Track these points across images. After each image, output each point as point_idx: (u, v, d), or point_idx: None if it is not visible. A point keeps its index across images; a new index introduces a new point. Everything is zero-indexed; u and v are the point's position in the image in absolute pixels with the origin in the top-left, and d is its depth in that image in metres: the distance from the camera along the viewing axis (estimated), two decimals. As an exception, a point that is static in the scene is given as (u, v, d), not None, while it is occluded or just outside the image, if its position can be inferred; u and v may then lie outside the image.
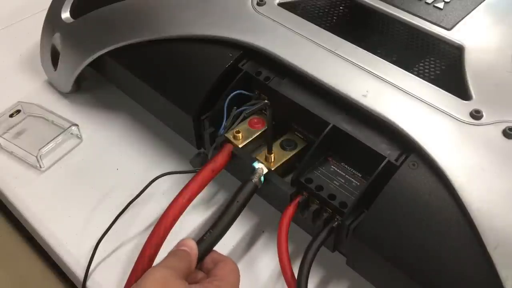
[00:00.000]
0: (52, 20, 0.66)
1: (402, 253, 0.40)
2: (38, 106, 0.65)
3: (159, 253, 0.43)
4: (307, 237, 0.46)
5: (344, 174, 0.47)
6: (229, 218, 0.44)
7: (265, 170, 0.47)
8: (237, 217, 0.45)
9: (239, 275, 0.41)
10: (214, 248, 0.43)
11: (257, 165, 0.47)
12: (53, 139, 0.61)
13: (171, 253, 0.41)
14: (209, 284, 0.39)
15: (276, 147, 0.50)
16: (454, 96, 0.46)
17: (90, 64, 0.61)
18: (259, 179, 0.46)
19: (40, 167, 0.59)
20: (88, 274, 0.50)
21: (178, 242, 0.42)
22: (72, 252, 0.52)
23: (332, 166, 0.47)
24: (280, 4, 0.56)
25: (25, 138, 0.63)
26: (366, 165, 0.45)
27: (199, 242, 0.42)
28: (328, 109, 0.47)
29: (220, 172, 0.49)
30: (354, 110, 0.46)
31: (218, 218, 0.44)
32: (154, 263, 0.42)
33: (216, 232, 0.43)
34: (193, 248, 0.41)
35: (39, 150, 0.59)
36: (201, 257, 0.42)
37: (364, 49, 0.50)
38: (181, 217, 0.45)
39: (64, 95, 0.68)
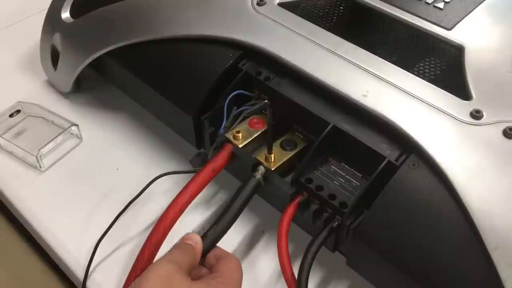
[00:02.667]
0: (52, 20, 0.66)
1: (402, 253, 0.40)
2: (38, 106, 0.65)
3: (158, 252, 0.43)
4: (307, 237, 0.46)
5: (344, 174, 0.47)
6: (232, 214, 0.44)
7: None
8: (240, 213, 0.45)
9: (242, 272, 0.41)
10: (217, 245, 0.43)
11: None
12: (53, 139, 0.61)
13: (176, 246, 0.41)
14: (212, 280, 0.39)
15: (276, 147, 0.49)
16: (454, 96, 0.46)
17: (90, 64, 0.61)
18: (262, 176, 0.47)
19: (40, 167, 0.59)
20: (88, 274, 0.50)
21: (183, 236, 0.42)
22: (72, 252, 0.52)
23: (332, 166, 0.47)
24: (280, 4, 0.56)
25: (25, 138, 0.63)
26: (366, 165, 0.45)
27: (202, 238, 0.42)
28: (328, 109, 0.47)
29: (220, 172, 0.49)
30: (354, 110, 0.46)
31: (221, 215, 0.44)
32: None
33: (219, 228, 0.43)
34: (198, 242, 0.41)
35: (39, 150, 0.59)
36: (204, 253, 0.42)
37: (364, 49, 0.50)
38: (181, 217, 0.45)
39: (64, 95, 0.68)
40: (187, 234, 0.42)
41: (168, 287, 0.36)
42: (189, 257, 0.40)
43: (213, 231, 0.43)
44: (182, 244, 0.41)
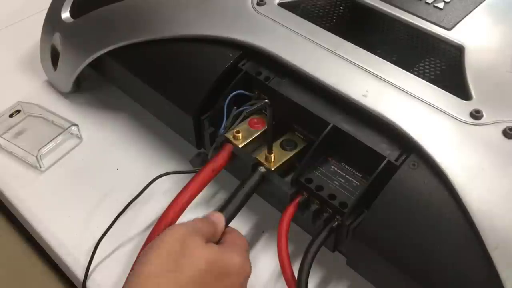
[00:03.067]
0: (52, 20, 0.66)
1: (402, 253, 0.40)
2: (38, 106, 0.65)
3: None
4: (307, 237, 0.46)
5: (344, 174, 0.47)
6: (237, 203, 0.45)
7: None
8: (244, 203, 0.46)
9: (245, 239, 0.44)
10: None
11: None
12: (53, 139, 0.61)
13: (198, 218, 0.43)
14: (221, 247, 0.41)
15: (276, 147, 0.49)
16: (454, 96, 0.46)
17: (90, 64, 0.61)
18: (267, 170, 0.47)
19: (40, 167, 0.59)
20: (88, 274, 0.50)
21: (208, 213, 0.43)
22: (72, 252, 0.52)
23: (332, 166, 0.47)
24: (280, 4, 0.56)
25: (25, 138, 0.63)
26: (366, 165, 0.45)
27: None
28: (328, 109, 0.47)
29: (220, 172, 0.49)
30: (354, 110, 0.46)
31: (227, 202, 0.45)
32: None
33: (227, 212, 0.44)
34: (221, 221, 0.43)
35: (39, 150, 0.59)
36: None
37: (364, 49, 0.50)
38: (181, 217, 0.45)
39: (64, 95, 0.68)
40: (212, 211, 0.44)
41: (181, 246, 0.37)
42: (208, 227, 0.41)
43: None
44: (205, 218, 0.43)
